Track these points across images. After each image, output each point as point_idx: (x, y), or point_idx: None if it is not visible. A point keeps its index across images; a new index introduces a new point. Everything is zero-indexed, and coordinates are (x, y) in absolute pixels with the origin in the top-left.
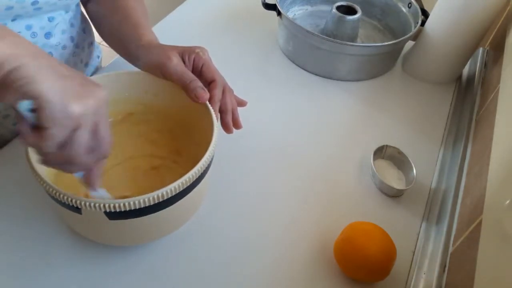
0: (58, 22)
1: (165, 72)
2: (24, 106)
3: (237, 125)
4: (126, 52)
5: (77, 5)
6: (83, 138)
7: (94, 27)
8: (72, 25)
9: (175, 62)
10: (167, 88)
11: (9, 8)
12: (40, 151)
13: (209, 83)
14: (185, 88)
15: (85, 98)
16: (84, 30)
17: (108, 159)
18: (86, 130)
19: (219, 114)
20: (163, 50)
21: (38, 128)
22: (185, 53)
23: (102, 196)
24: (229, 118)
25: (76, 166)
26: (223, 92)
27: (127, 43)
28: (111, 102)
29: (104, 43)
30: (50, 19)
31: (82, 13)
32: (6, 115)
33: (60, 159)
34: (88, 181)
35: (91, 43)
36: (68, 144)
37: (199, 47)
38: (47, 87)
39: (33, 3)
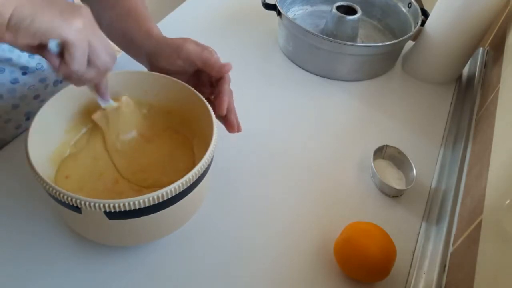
0: None
1: (182, 51)
2: (53, 44)
3: (238, 127)
4: (129, 44)
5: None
6: (98, 44)
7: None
8: None
9: (193, 43)
10: (167, 88)
11: None
12: (75, 76)
13: (218, 79)
14: (207, 64)
15: (77, 14)
16: None
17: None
18: (95, 37)
19: (225, 106)
20: (175, 40)
21: (63, 57)
22: (198, 44)
23: (111, 103)
24: (233, 117)
25: (106, 71)
26: (223, 81)
27: (132, 36)
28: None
29: None
30: None
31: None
32: (8, 120)
33: (92, 75)
34: (101, 91)
35: None
36: (92, 56)
37: (209, 47)
38: (49, 17)
39: None
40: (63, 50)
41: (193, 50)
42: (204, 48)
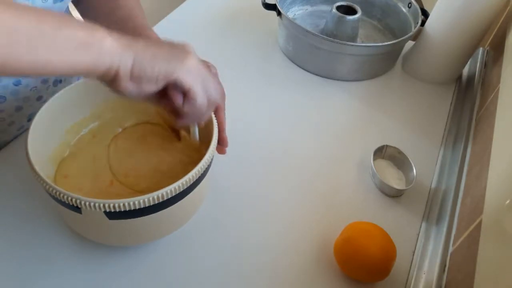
0: None
1: None
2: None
3: (226, 143)
4: None
5: (67, 8)
6: (210, 79)
7: None
8: None
9: None
10: None
11: None
12: (199, 114)
13: None
14: None
15: (187, 53)
16: None
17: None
18: (207, 73)
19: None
20: None
21: (186, 96)
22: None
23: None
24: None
25: (217, 106)
26: (220, 108)
27: None
28: (111, 106)
29: None
30: None
31: (71, 14)
32: (11, 122)
33: (201, 110)
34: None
35: None
36: (207, 92)
37: (209, 63)
38: (164, 64)
39: None
40: (184, 90)
41: None
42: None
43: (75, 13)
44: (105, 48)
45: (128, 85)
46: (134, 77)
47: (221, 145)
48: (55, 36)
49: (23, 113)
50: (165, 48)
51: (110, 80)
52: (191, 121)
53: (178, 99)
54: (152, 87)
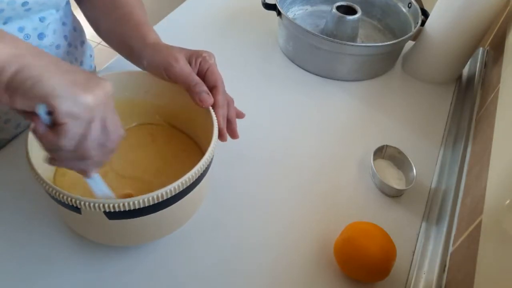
0: (50, 22)
1: (170, 73)
2: (42, 109)
3: (234, 135)
4: (129, 51)
5: (67, 3)
6: (96, 131)
7: (92, 27)
8: (63, 24)
9: (182, 63)
10: (167, 89)
11: (0, 11)
12: (53, 150)
13: (211, 89)
14: (190, 90)
15: (94, 89)
16: (75, 28)
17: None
18: (98, 122)
19: (221, 119)
20: (170, 51)
21: (54, 127)
22: (192, 56)
23: (105, 193)
24: (225, 128)
25: (87, 162)
26: (216, 106)
27: (130, 42)
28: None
29: (103, 43)
30: (41, 19)
31: (72, 12)
32: (7, 120)
33: (72, 156)
34: (87, 173)
35: (83, 41)
36: (83, 139)
37: (206, 52)
38: (55, 83)
39: (23, 4)
40: (54, 121)
41: (180, 73)
42: (189, 74)
43: (77, 13)
44: None
45: (3, 96)
46: (10, 87)
47: (221, 136)
48: None
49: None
50: (73, 74)
51: None
52: (54, 162)
53: (38, 126)
54: (24, 105)
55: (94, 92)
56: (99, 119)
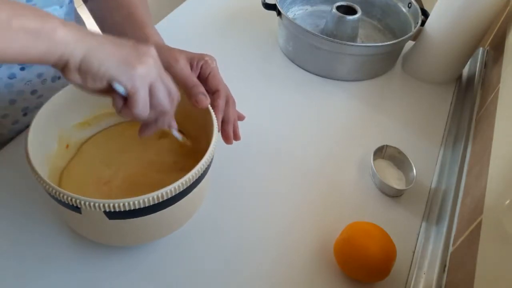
0: None
1: (169, 74)
2: (120, 88)
3: (236, 136)
4: None
5: (70, 1)
6: (159, 88)
7: (97, 24)
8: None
9: (182, 65)
10: None
11: None
12: (137, 118)
13: (213, 93)
14: (187, 91)
15: (143, 58)
16: None
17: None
18: (158, 81)
19: (220, 122)
20: (172, 52)
21: (127, 101)
22: (194, 58)
23: (177, 136)
24: (230, 129)
25: (167, 115)
26: (227, 102)
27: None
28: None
29: None
30: None
31: (75, 10)
32: (5, 115)
33: (155, 115)
34: (170, 126)
35: None
36: (154, 99)
37: (208, 55)
38: (115, 64)
39: (28, 0)
40: (127, 94)
41: (179, 74)
42: (188, 75)
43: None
44: (55, 38)
45: (75, 77)
46: (81, 71)
47: (226, 139)
48: (7, 25)
49: (17, 107)
50: (124, 49)
51: (61, 69)
52: (156, 118)
53: (116, 102)
54: (96, 85)
55: (145, 62)
56: (157, 79)
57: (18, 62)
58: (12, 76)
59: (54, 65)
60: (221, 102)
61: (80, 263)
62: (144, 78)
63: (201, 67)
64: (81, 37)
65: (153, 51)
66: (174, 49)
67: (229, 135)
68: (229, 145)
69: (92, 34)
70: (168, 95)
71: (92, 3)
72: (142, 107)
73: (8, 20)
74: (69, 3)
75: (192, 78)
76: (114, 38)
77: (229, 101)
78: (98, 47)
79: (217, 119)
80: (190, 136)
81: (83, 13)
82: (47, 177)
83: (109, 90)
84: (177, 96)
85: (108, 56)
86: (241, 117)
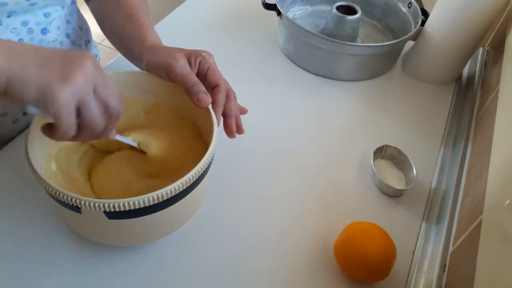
0: (54, 18)
1: (170, 73)
2: (32, 110)
3: (239, 130)
4: (129, 51)
5: (73, 2)
6: (89, 106)
7: (98, 24)
8: (68, 22)
9: (182, 63)
10: (167, 89)
11: (4, 4)
12: (65, 139)
13: (212, 88)
14: (188, 90)
15: (71, 75)
16: (81, 27)
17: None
18: (87, 100)
19: (221, 118)
20: (170, 51)
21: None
22: (191, 56)
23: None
24: (233, 123)
25: (100, 132)
26: (228, 96)
27: (130, 43)
28: None
29: (103, 42)
30: (46, 15)
31: (79, 11)
32: (4, 113)
33: (85, 134)
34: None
35: (88, 41)
36: (84, 120)
37: (205, 51)
38: (33, 90)
39: None
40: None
41: (179, 73)
42: (188, 74)
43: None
44: None
45: (6, 101)
46: (8, 96)
47: (229, 132)
48: None
49: (16, 105)
50: (48, 69)
51: None
52: (90, 136)
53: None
54: (23, 106)
55: (70, 79)
56: (86, 96)
57: None
58: None
59: None
60: (220, 97)
61: (80, 263)
62: (67, 101)
63: (199, 64)
64: (5, 62)
65: (87, 58)
66: (171, 48)
67: (232, 128)
68: (229, 145)
69: (21, 53)
70: (102, 112)
71: (94, 4)
72: (65, 130)
73: None
74: (71, 4)
75: (192, 76)
76: (46, 52)
77: (230, 95)
78: (20, 72)
79: (216, 114)
80: (189, 137)
81: (85, 13)
82: (47, 177)
83: None
84: (116, 110)
85: (29, 83)
86: (243, 111)
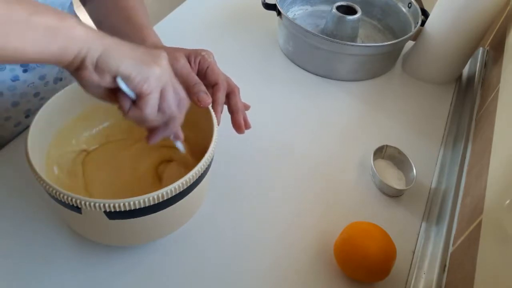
0: None
1: None
2: (123, 85)
3: (246, 124)
4: None
5: (70, 4)
6: (170, 93)
7: (96, 26)
8: None
9: (182, 63)
10: None
11: None
12: (143, 122)
13: (212, 86)
14: (188, 90)
15: (158, 61)
16: None
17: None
18: (169, 85)
19: (220, 116)
20: (170, 51)
21: (136, 102)
22: (191, 55)
23: (180, 147)
24: (240, 118)
25: (175, 121)
26: (233, 92)
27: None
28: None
29: None
30: None
31: (74, 13)
32: (7, 117)
33: (161, 120)
34: (177, 135)
35: None
36: (163, 103)
37: (205, 50)
38: (130, 63)
39: None
40: (137, 95)
41: (180, 73)
42: (188, 73)
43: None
44: (74, 35)
45: (91, 75)
46: (98, 68)
47: (238, 128)
48: (27, 22)
49: (19, 109)
50: (138, 51)
51: (76, 68)
52: (141, 125)
53: (124, 103)
54: (111, 84)
55: (159, 64)
56: (168, 83)
57: (35, 61)
58: (15, 79)
59: (68, 65)
60: (220, 95)
61: (80, 263)
62: (159, 80)
63: (199, 63)
64: (98, 36)
65: (165, 56)
66: (171, 48)
67: (241, 124)
68: (229, 145)
69: (108, 35)
70: (177, 101)
71: (91, 6)
72: (152, 109)
73: (27, 17)
74: (69, 6)
75: (192, 76)
76: (126, 42)
77: (234, 90)
78: (115, 46)
79: (216, 113)
80: (189, 137)
81: (81, 15)
82: (47, 177)
83: (116, 92)
84: (186, 103)
85: (124, 55)
86: (246, 107)
